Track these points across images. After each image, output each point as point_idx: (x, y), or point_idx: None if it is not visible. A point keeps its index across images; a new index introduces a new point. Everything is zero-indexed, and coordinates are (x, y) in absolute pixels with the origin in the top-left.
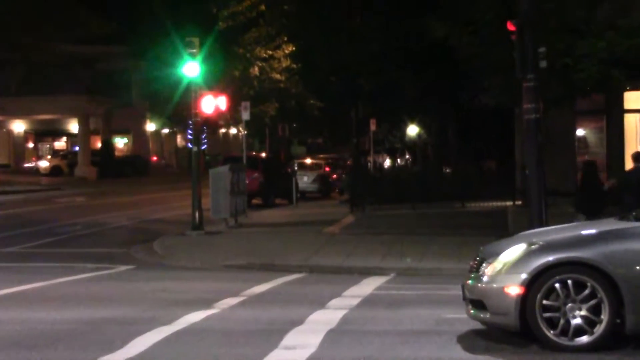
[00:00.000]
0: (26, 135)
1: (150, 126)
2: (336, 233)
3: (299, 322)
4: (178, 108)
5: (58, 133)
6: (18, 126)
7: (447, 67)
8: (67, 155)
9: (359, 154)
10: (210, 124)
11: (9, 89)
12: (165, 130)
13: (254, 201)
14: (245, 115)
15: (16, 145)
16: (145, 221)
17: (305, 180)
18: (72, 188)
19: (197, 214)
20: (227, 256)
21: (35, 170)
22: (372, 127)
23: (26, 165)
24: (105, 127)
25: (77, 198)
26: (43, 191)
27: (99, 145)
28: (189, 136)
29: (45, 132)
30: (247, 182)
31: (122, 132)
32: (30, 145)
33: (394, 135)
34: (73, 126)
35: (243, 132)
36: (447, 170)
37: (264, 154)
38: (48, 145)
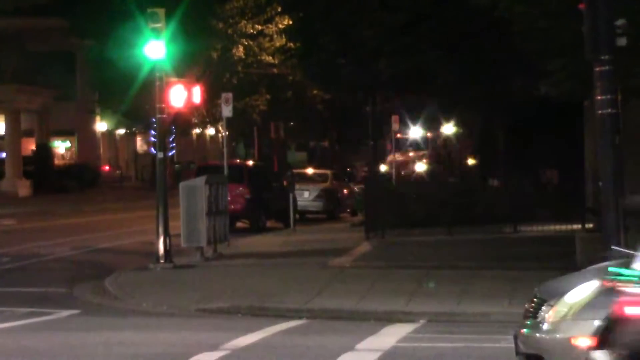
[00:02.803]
0: None
1: (101, 125)
2: (347, 266)
3: None
4: (137, 101)
5: None
6: None
7: (495, 46)
8: None
9: (377, 162)
10: (181, 123)
11: None
12: (121, 131)
13: (239, 224)
14: (227, 111)
15: None
16: (95, 251)
17: (306, 197)
18: None
19: (163, 242)
20: (202, 297)
21: None
22: (394, 125)
23: None
24: (42, 127)
25: (4, 220)
26: None
27: (33, 150)
28: (152, 138)
29: None
30: (229, 199)
31: (63, 134)
32: None
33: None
34: None
35: (223, 133)
36: (494, 183)
37: (251, 162)
38: None
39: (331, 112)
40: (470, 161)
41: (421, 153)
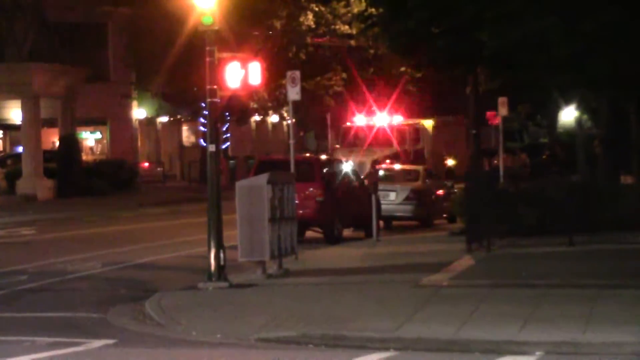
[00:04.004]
0: None
1: (139, 113)
2: (444, 285)
3: None
4: (183, 83)
5: None
6: None
7: (628, 4)
8: (3, 161)
9: (480, 155)
10: (237, 108)
11: None
12: (163, 119)
13: (310, 233)
14: (293, 93)
15: None
16: (132, 267)
17: (392, 199)
18: (13, 214)
19: (215, 255)
20: (265, 323)
21: None
22: (502, 110)
23: None
24: (66, 115)
25: (22, 229)
26: None
27: (56, 144)
28: (202, 128)
29: None
30: (297, 202)
31: (92, 123)
32: None
33: (539, 123)
34: (13, 114)
35: (289, 120)
36: (626, 180)
37: (324, 156)
38: None
39: (423, 94)
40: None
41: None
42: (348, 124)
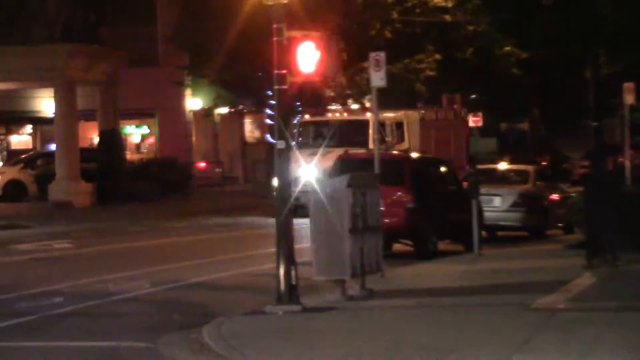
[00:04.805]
0: None
1: (193, 103)
2: (560, 308)
3: None
4: (245, 67)
5: (15, 119)
6: None
7: None
8: (33, 161)
9: (603, 151)
10: (310, 97)
11: None
12: (222, 111)
13: (398, 246)
14: (377, 79)
15: None
16: (186, 287)
17: (496, 205)
18: (44, 224)
19: (285, 273)
20: (346, 355)
21: None
22: (628, 98)
23: None
24: (107, 106)
25: (55, 243)
26: None
27: (95, 140)
28: (269, 120)
29: None
30: (382, 209)
31: (138, 116)
32: None
33: None
34: (45, 104)
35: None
36: None
37: (414, 154)
38: None
39: (532, 79)
40: None
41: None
42: (307, 116)
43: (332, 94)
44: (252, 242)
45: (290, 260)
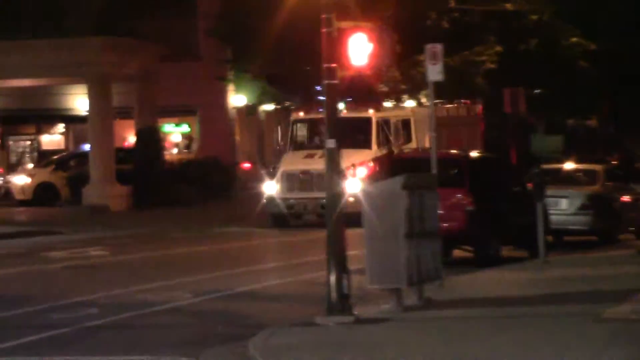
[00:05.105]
0: None
1: (237, 99)
2: (633, 319)
3: None
4: (292, 60)
5: (47, 117)
6: None
7: None
8: (65, 163)
9: None
10: (361, 92)
11: None
12: (268, 107)
13: (458, 252)
14: (434, 73)
15: None
16: (230, 297)
17: (563, 208)
18: (78, 229)
19: (338, 282)
20: None
21: (4, 195)
22: None
23: None
24: (144, 103)
25: (90, 250)
26: (21, 237)
27: (131, 140)
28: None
29: (20, 116)
30: (440, 212)
31: (178, 113)
32: None
33: None
34: (78, 102)
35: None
36: None
37: (474, 153)
38: (28, 143)
39: (601, 72)
40: None
41: None
42: (301, 114)
43: (385, 89)
44: (301, 249)
45: (342, 267)
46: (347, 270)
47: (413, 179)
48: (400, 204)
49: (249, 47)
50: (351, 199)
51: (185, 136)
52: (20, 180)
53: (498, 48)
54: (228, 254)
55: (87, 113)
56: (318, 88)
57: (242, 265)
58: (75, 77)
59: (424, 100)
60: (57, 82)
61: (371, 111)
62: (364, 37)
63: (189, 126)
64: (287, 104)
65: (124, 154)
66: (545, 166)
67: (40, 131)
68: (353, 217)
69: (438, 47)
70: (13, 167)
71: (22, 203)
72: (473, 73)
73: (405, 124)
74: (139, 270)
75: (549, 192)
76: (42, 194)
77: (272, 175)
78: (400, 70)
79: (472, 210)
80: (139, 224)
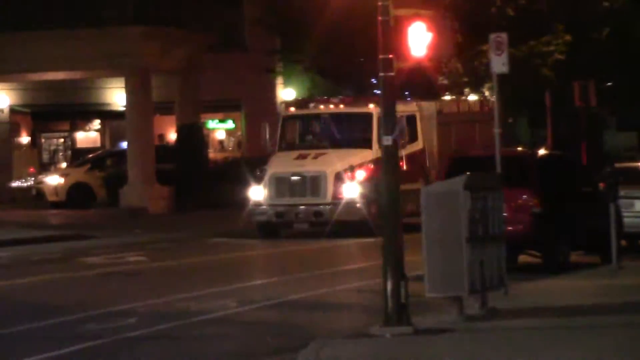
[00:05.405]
0: (14, 120)
1: (286, 93)
2: None
3: None
4: (344, 51)
5: (81, 113)
6: None
7: None
8: (101, 162)
9: None
10: (420, 85)
11: None
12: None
13: (523, 257)
14: (498, 64)
15: None
16: (278, 306)
17: (638, 210)
18: (116, 234)
19: (394, 290)
20: None
21: (36, 196)
22: None
23: (15, 183)
24: (187, 97)
25: (128, 255)
26: (54, 242)
27: (172, 137)
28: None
29: (53, 112)
30: (505, 214)
31: (222, 108)
32: (23, 139)
33: None
34: (115, 96)
35: (491, 101)
36: None
37: (542, 151)
38: (62, 140)
39: None
40: None
41: None
42: (292, 109)
43: (445, 81)
44: (356, 254)
45: (399, 274)
46: (405, 277)
47: (476, 179)
48: (462, 205)
49: (299, 37)
50: (358, 205)
51: (231, 133)
52: (53, 180)
53: (567, 37)
54: (275, 260)
55: (124, 108)
56: (373, 81)
57: (290, 272)
58: (113, 69)
59: (488, 95)
60: (93, 74)
61: (372, 106)
62: (423, 26)
63: (234, 122)
64: (339, 98)
65: (164, 152)
66: (618, 165)
67: (74, 128)
68: (357, 226)
69: (503, 37)
70: (45, 167)
71: (55, 205)
72: (540, 64)
73: (410, 120)
74: (180, 277)
75: (622, 192)
76: (76, 195)
77: (259, 179)
78: (462, 61)
79: (539, 212)
80: (180, 228)
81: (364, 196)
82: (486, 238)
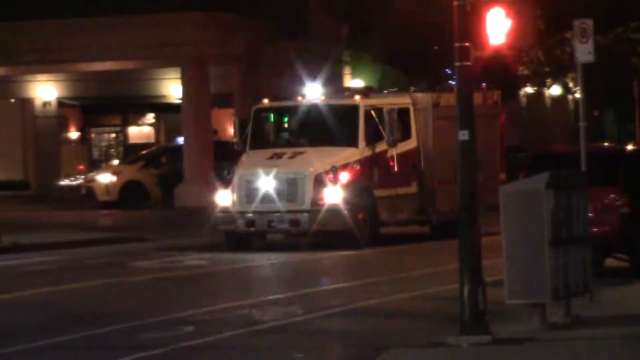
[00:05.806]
0: (62, 114)
1: (354, 84)
2: None
3: None
4: (417, 39)
5: (134, 106)
6: (45, 92)
7: None
8: (156, 158)
9: None
10: (499, 76)
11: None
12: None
13: (610, 261)
14: (583, 53)
15: (39, 135)
16: (346, 313)
17: None
18: (172, 235)
19: (471, 296)
20: None
21: (85, 195)
22: None
23: (64, 182)
24: (248, 89)
25: (187, 259)
26: (106, 244)
27: (230, 131)
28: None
29: (104, 105)
30: (590, 215)
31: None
32: (72, 134)
33: None
34: (171, 88)
35: (576, 93)
36: None
37: (631, 147)
38: (113, 135)
39: None
40: None
41: None
42: (265, 101)
43: (526, 71)
44: (432, 257)
45: (477, 280)
46: (483, 283)
47: (559, 177)
48: (545, 205)
49: (368, 24)
50: (342, 212)
51: None
52: (104, 178)
53: None
54: (343, 263)
55: (180, 101)
56: (448, 71)
57: (359, 277)
58: (168, 59)
59: (572, 86)
60: (147, 65)
61: (358, 97)
62: (502, 12)
63: None
64: (411, 89)
65: (223, 147)
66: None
67: (126, 122)
68: (340, 236)
69: (588, 23)
70: (96, 164)
71: (107, 205)
72: (628, 52)
73: (403, 114)
74: (242, 282)
75: None
76: (129, 194)
77: (226, 182)
78: (544, 50)
79: (628, 213)
80: None
81: (348, 202)
82: (570, 240)
